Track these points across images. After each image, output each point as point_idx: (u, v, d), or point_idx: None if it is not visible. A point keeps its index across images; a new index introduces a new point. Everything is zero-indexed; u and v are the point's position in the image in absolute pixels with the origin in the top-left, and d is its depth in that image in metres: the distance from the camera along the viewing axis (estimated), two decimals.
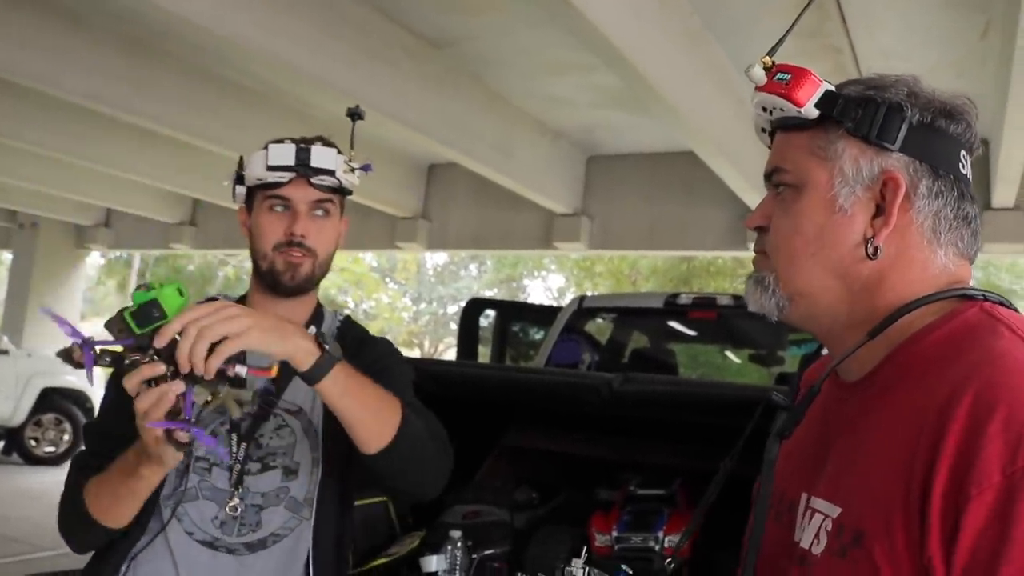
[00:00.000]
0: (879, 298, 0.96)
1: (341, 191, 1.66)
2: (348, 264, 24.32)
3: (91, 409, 10.73)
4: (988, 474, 0.76)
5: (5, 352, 10.34)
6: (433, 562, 2.17)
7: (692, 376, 5.64)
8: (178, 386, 1.26)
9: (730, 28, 5.62)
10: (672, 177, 8.48)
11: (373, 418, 1.40)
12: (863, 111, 0.96)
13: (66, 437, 10.72)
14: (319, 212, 1.63)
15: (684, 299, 4.49)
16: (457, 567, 2.17)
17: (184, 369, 1.24)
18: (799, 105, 0.97)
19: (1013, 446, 0.76)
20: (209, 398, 1.32)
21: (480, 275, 26.51)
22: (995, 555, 0.75)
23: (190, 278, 23.67)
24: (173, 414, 1.27)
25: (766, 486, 0.99)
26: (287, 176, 1.59)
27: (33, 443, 10.48)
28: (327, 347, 1.34)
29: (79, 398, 10.79)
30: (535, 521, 2.48)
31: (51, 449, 10.59)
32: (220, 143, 7.53)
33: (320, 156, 1.59)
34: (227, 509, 1.55)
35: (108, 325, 1.29)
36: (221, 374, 1.26)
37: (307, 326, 1.65)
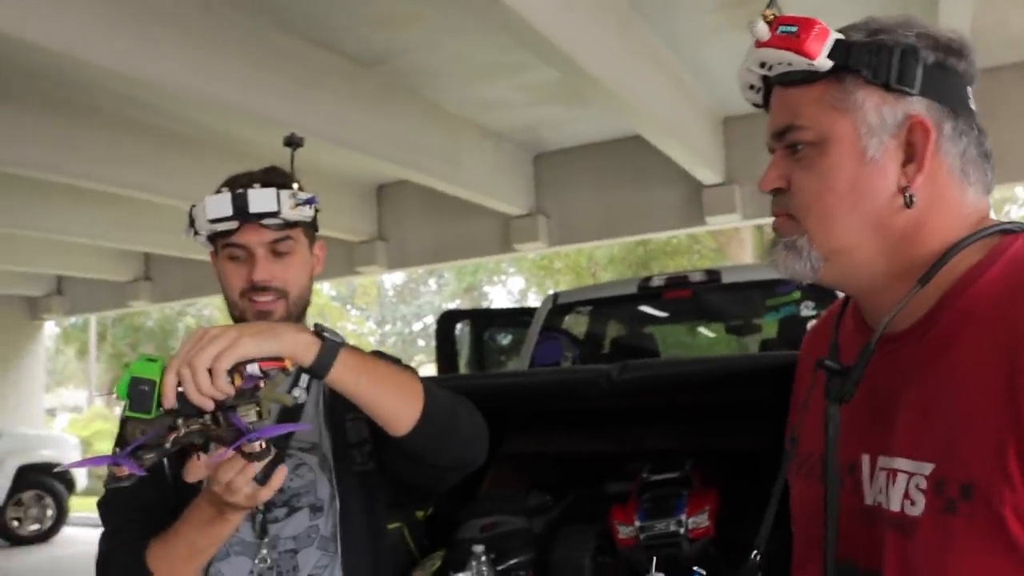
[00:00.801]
0: (920, 245, 0.94)
1: (299, 224, 1.61)
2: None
3: (72, 481, 10.54)
4: None
5: None
6: None
7: (677, 355, 5.64)
8: (222, 452, 1.22)
9: (656, 7, 5.64)
10: (621, 163, 8.50)
11: (396, 395, 1.36)
12: (878, 57, 0.93)
13: (49, 512, 10.51)
14: (281, 251, 1.59)
15: (657, 281, 4.48)
16: None
17: (206, 407, 1.20)
18: (811, 57, 0.94)
19: None
20: (257, 409, 1.25)
21: (440, 289, 26.45)
22: None
23: (150, 335, 23.32)
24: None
25: (833, 456, 0.97)
26: (231, 224, 1.55)
27: (16, 523, 10.25)
28: (327, 335, 1.29)
29: (59, 473, 10.58)
30: (552, 524, 2.44)
31: (35, 527, 10.38)
32: (163, 194, 7.41)
33: (258, 200, 1.53)
34: (256, 561, 1.51)
35: (127, 435, 1.22)
36: (239, 389, 1.23)
37: None
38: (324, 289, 23.66)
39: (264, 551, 1.51)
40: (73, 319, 19.03)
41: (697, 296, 4.49)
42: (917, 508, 0.88)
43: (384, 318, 27.56)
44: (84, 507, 10.23)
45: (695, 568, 1.50)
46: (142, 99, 5.97)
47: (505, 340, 5.87)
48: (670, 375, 2.27)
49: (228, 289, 1.61)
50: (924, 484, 0.88)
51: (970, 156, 0.95)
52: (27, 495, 10.33)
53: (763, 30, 0.97)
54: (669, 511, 2.16)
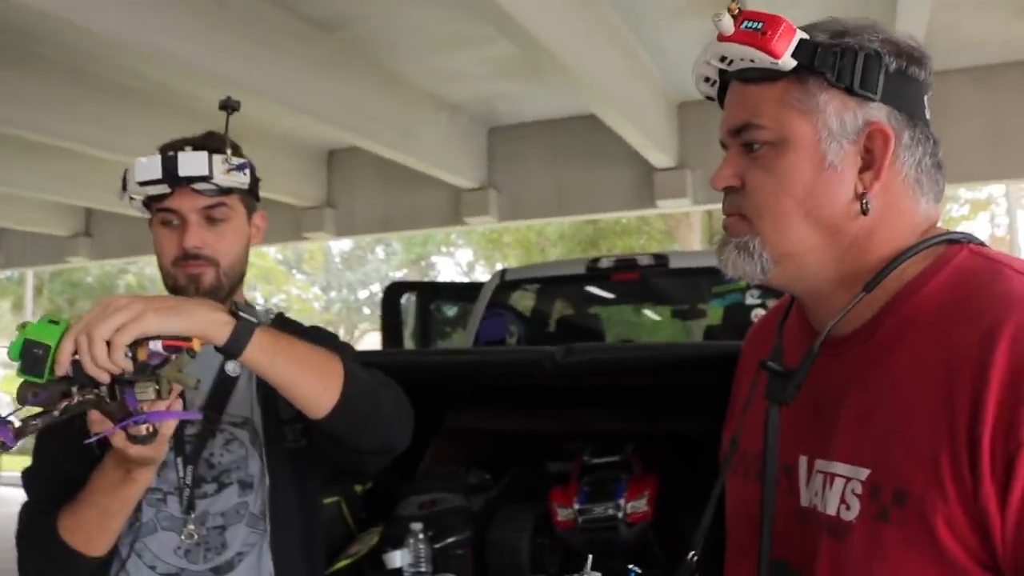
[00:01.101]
0: (869, 252, 0.94)
1: (236, 191, 1.56)
2: (254, 260, 23.81)
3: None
4: None
5: None
6: (397, 557, 2.12)
7: (620, 337, 5.68)
8: (109, 428, 1.20)
9: None
10: (575, 142, 8.49)
11: (314, 378, 1.31)
12: (842, 60, 0.92)
13: None
14: (215, 218, 1.55)
15: (605, 263, 4.49)
16: (421, 559, 2.14)
17: (101, 379, 1.16)
18: (776, 56, 0.92)
19: None
20: (156, 388, 1.22)
21: (388, 257, 26.29)
22: None
23: (89, 291, 22.87)
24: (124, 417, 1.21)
25: (772, 456, 0.97)
26: (161, 188, 1.51)
27: None
28: (243, 314, 1.24)
29: None
30: (491, 503, 2.45)
31: None
32: (109, 148, 7.21)
33: (188, 163, 1.49)
34: (183, 536, 1.48)
35: (19, 399, 1.17)
36: (141, 364, 1.19)
37: None
38: (270, 252, 23.38)
39: (191, 526, 1.49)
40: (8, 272, 18.53)
41: (644, 279, 4.52)
42: (851, 513, 0.89)
43: (330, 284, 27.30)
44: (17, 466, 10.00)
45: (631, 567, 1.50)
46: (93, 51, 5.82)
47: (451, 313, 5.86)
48: (614, 359, 2.28)
49: (161, 256, 1.57)
50: (860, 489, 0.88)
51: (925, 166, 0.95)
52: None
53: (727, 24, 0.95)
54: (608, 495, 2.17)
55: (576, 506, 2.18)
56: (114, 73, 6.94)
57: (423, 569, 2.12)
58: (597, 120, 6.86)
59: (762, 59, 0.94)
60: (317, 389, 1.31)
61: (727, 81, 1.02)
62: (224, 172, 1.51)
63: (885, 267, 0.93)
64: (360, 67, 6.92)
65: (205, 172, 1.49)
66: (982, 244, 0.95)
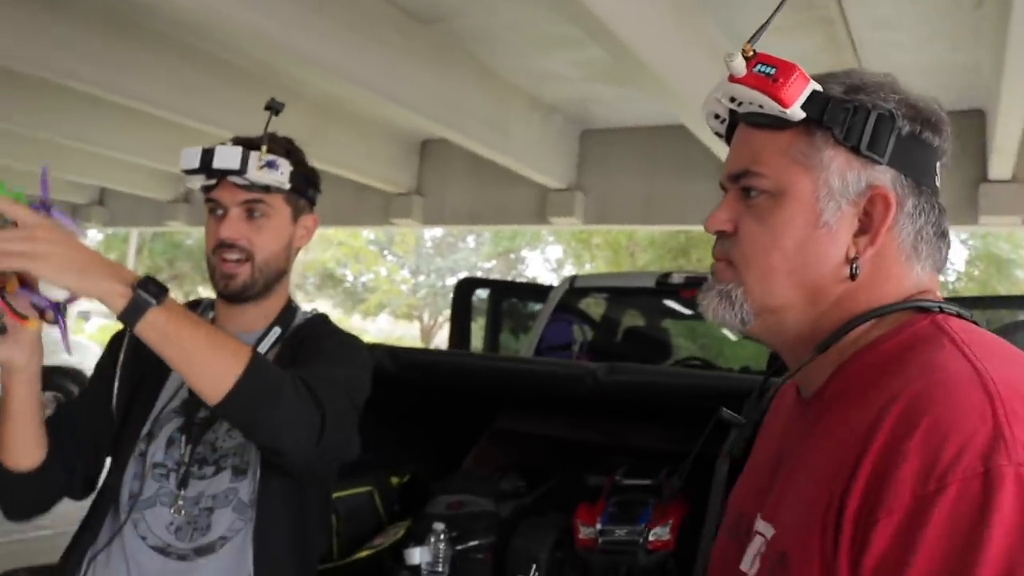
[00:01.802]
0: (845, 313, 0.91)
1: (278, 191, 1.62)
2: (346, 238, 24.30)
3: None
4: (899, 495, 0.70)
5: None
6: (416, 554, 2.16)
7: (689, 352, 5.62)
8: None
9: None
10: (667, 151, 8.42)
11: (203, 366, 1.31)
12: (853, 118, 0.89)
13: None
14: (256, 214, 1.61)
15: (676, 278, 4.45)
16: (440, 559, 2.17)
17: None
18: (785, 105, 0.89)
19: (928, 466, 0.70)
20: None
21: (478, 247, 26.45)
22: None
23: (188, 253, 23.68)
24: None
25: (714, 506, 0.97)
26: (202, 179, 1.59)
27: None
28: (143, 293, 1.26)
29: (77, 376, 10.79)
30: (521, 510, 2.46)
31: None
32: (209, 122, 7.45)
33: (223, 156, 1.55)
34: (172, 512, 1.54)
35: None
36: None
37: (271, 328, 1.66)
38: (363, 233, 23.80)
39: (180, 503, 1.54)
40: (112, 230, 19.32)
41: None
42: (753, 571, 0.88)
43: (419, 268, 27.61)
44: None
45: None
46: (201, 28, 6.01)
47: (523, 311, 5.88)
48: (655, 383, 2.28)
49: (206, 245, 1.64)
50: (764, 548, 0.87)
51: (925, 234, 0.92)
52: (46, 396, 10.54)
53: (739, 65, 0.92)
54: (632, 519, 2.17)
55: (599, 526, 2.18)
56: (220, 50, 7.17)
57: (440, 569, 2.15)
58: (689, 131, 6.79)
59: (771, 106, 0.91)
60: (205, 381, 1.32)
61: (736, 121, 1.00)
62: (257, 168, 1.56)
63: (840, 328, 0.90)
64: (456, 61, 6.99)
65: (237, 166, 1.55)
66: (959, 315, 0.90)
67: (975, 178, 7.31)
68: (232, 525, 1.54)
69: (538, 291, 5.81)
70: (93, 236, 21.27)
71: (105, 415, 1.64)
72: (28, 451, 1.51)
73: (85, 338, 16.28)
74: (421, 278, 27.75)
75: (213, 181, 1.59)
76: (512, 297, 5.78)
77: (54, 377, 10.54)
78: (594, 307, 5.01)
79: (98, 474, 1.65)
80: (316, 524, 1.65)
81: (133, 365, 1.64)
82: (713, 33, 5.92)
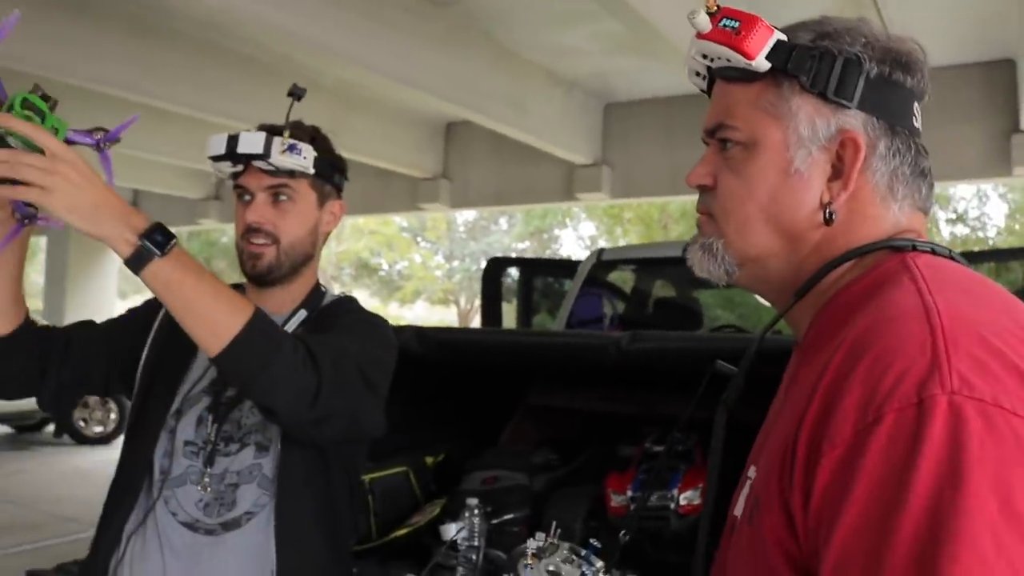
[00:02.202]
0: (825, 257, 0.91)
1: (303, 176, 1.65)
2: (378, 227, 24.42)
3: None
4: (841, 429, 0.71)
5: None
6: (452, 530, 2.18)
7: (726, 321, 5.59)
8: None
9: None
10: (691, 121, 8.34)
11: (204, 317, 1.34)
12: (819, 65, 0.89)
13: (112, 416, 10.94)
14: (281, 198, 1.64)
15: None
16: (476, 533, 2.19)
17: None
18: (749, 57, 0.90)
19: (868, 398, 0.70)
20: None
21: (510, 228, 26.47)
22: (833, 517, 0.69)
23: (224, 250, 23.94)
24: None
25: (714, 456, 0.98)
26: (229, 165, 1.63)
27: (82, 424, 10.72)
28: (148, 243, 1.29)
29: None
30: (554, 483, 2.48)
31: (99, 429, 10.83)
32: (232, 117, 7.55)
33: (247, 141, 1.59)
34: (200, 489, 1.57)
35: None
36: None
37: (297, 310, 1.69)
38: (395, 220, 23.90)
39: (207, 480, 1.57)
40: None
41: None
42: (738, 510, 0.89)
43: (453, 253, 27.70)
44: None
45: (592, 541, 1.51)
46: (219, 24, 6.06)
47: (557, 289, 5.89)
48: (679, 349, 2.28)
49: (235, 230, 1.70)
50: (748, 491, 0.88)
51: (901, 174, 0.91)
52: (93, 398, 10.76)
53: (703, 21, 0.93)
54: (663, 484, 2.18)
55: (629, 493, 2.19)
56: (241, 46, 7.23)
57: (476, 543, 2.17)
58: (710, 99, 6.73)
59: (737, 59, 0.91)
60: (203, 333, 1.35)
61: (715, 77, 1.00)
62: (280, 152, 1.59)
63: (815, 273, 0.90)
64: (474, 42, 6.99)
65: (260, 151, 1.58)
66: (936, 251, 0.89)
67: (1007, 129, 7.17)
68: (258, 500, 1.58)
69: (568, 267, 5.81)
70: None
71: (112, 353, 1.67)
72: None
73: None
74: (455, 263, 27.84)
75: (240, 168, 1.63)
76: (542, 274, 5.78)
77: None
78: (624, 280, 5.01)
79: (71, 396, 1.68)
80: (344, 501, 1.67)
81: (169, 330, 1.64)
82: (728, 2, 5.86)
